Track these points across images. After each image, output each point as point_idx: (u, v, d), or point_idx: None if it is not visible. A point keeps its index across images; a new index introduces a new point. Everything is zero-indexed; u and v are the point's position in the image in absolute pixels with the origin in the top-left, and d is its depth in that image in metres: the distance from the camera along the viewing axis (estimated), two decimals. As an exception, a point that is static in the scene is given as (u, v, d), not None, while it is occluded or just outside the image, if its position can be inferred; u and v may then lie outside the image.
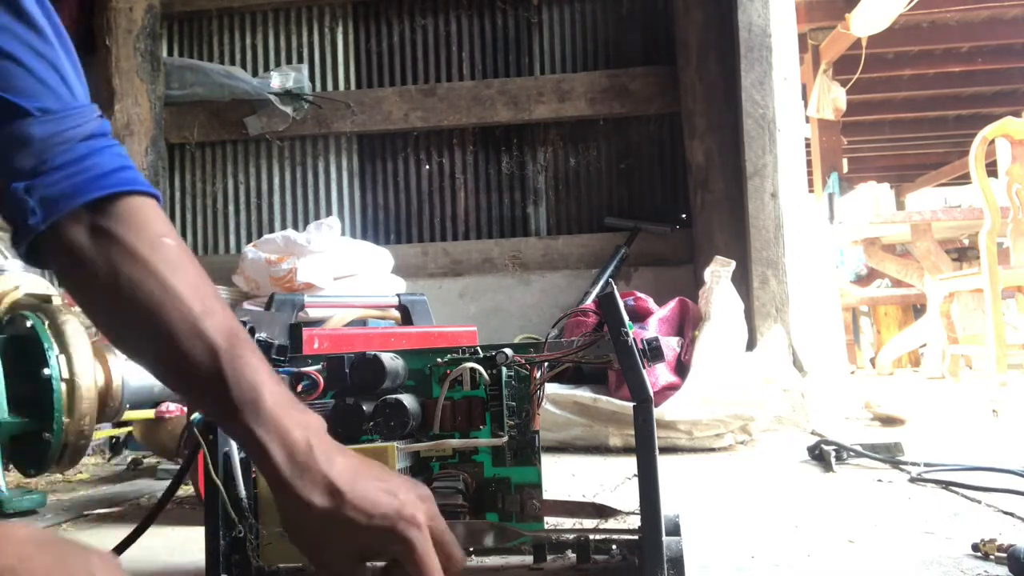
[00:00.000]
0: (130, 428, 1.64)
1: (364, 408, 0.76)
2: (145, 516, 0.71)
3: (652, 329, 1.84)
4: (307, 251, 2.06)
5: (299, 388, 0.81)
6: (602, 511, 0.81)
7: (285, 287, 2.02)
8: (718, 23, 2.39)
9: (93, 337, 1.22)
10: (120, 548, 0.72)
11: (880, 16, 4.35)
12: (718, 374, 1.69)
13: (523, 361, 0.76)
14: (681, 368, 1.78)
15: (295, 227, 2.58)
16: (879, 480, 1.27)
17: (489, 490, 0.78)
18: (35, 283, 1.42)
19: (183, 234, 2.78)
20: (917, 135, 7.58)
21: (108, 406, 1.25)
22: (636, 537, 0.70)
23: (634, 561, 0.71)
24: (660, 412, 1.62)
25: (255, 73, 2.72)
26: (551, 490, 1.14)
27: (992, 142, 2.87)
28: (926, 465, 1.31)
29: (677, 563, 0.66)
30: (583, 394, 1.73)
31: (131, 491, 1.38)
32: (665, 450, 1.63)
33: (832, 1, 5.00)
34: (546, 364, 0.77)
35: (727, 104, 2.37)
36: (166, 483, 1.42)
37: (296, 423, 0.58)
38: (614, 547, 0.72)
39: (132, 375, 1.28)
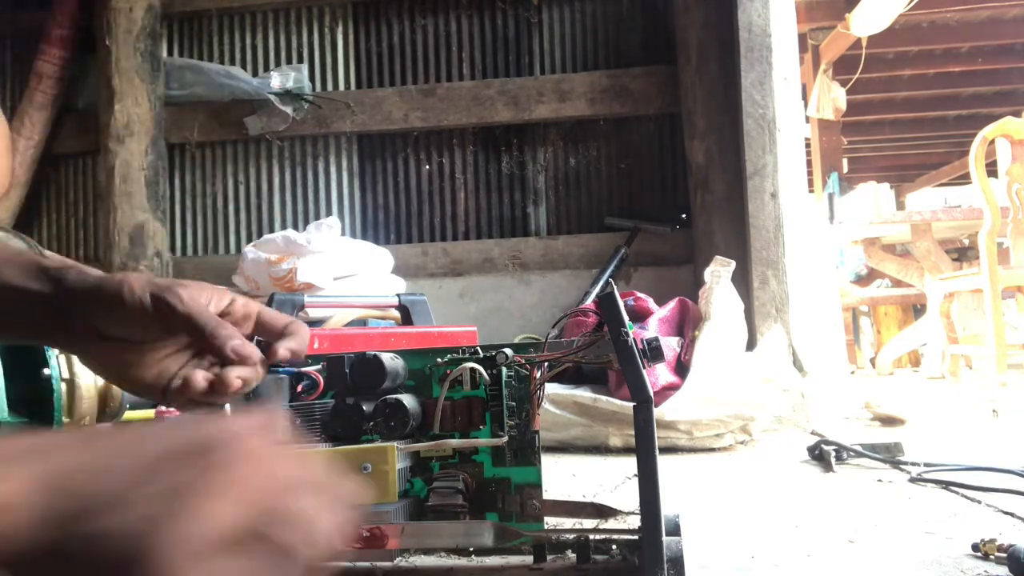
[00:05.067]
0: (130, 428, 1.64)
1: (364, 408, 0.76)
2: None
3: (652, 329, 1.84)
4: (307, 251, 2.06)
5: (299, 388, 0.81)
6: (602, 511, 0.81)
7: (285, 287, 2.02)
8: (718, 23, 2.39)
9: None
10: None
11: (880, 16, 4.35)
12: (718, 374, 1.69)
13: (523, 361, 0.76)
14: (681, 368, 1.78)
15: (295, 227, 2.58)
16: (879, 480, 1.27)
17: (489, 490, 0.78)
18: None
19: (183, 234, 2.78)
20: (917, 135, 7.58)
21: (108, 406, 1.25)
22: (636, 537, 0.70)
23: (634, 561, 0.71)
24: (660, 412, 1.62)
25: (255, 73, 2.73)
26: (551, 490, 1.15)
27: (992, 142, 2.87)
28: (926, 465, 1.31)
29: (677, 563, 0.66)
30: (583, 394, 1.73)
31: (131, 491, 1.37)
32: (665, 450, 1.63)
33: (832, 1, 5.00)
34: (546, 364, 0.77)
35: (727, 104, 2.37)
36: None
37: None
38: (614, 547, 0.72)
39: (132, 375, 1.27)
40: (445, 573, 0.78)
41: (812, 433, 1.84)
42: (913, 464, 1.34)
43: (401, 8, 2.72)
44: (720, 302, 1.80)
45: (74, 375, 1.15)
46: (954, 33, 5.51)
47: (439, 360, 0.80)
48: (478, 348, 0.79)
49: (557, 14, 2.67)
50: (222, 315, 0.61)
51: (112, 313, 0.58)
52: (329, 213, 2.70)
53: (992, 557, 0.77)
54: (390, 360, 0.78)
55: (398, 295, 1.64)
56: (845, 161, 6.27)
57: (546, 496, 0.78)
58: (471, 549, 0.75)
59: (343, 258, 2.13)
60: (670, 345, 1.80)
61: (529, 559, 0.77)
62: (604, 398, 1.70)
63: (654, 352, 0.71)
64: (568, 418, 1.73)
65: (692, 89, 2.45)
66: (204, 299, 0.60)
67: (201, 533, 0.29)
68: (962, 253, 4.91)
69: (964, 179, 7.16)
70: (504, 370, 0.77)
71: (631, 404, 0.67)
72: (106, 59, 2.62)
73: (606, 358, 0.73)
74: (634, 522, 0.71)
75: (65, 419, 1.13)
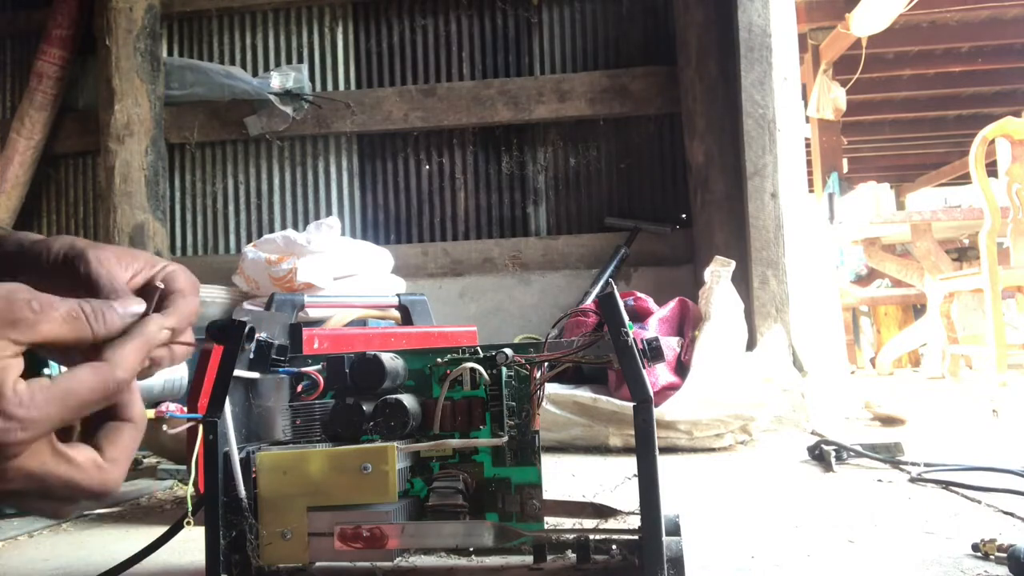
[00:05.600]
0: (130, 428, 1.63)
1: (364, 408, 0.76)
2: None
3: (652, 329, 1.84)
4: (307, 251, 2.06)
5: (299, 388, 0.81)
6: (602, 511, 0.81)
7: (285, 287, 2.02)
8: (718, 23, 2.40)
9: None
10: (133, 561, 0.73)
11: (880, 16, 4.36)
12: (718, 374, 1.69)
13: (523, 361, 0.76)
14: (681, 368, 1.78)
15: (295, 227, 2.58)
16: (879, 480, 1.27)
17: (489, 490, 0.78)
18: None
19: (183, 234, 2.78)
20: (917, 135, 7.58)
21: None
22: (636, 537, 0.70)
23: (634, 561, 0.71)
24: (660, 412, 1.62)
25: (255, 73, 2.73)
26: (551, 490, 1.14)
27: (992, 142, 2.87)
28: (926, 465, 1.31)
29: (677, 563, 0.66)
30: (583, 394, 1.73)
31: (131, 491, 1.38)
32: (665, 450, 1.63)
33: (832, 1, 5.01)
34: (546, 364, 0.77)
35: (727, 104, 2.37)
36: (166, 483, 1.43)
37: None
38: (614, 547, 0.72)
39: (132, 375, 1.27)
40: (445, 573, 0.78)
41: (812, 433, 1.85)
42: (913, 464, 1.34)
43: (401, 8, 2.72)
44: (720, 302, 1.80)
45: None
46: (954, 33, 5.52)
47: (439, 360, 0.80)
48: (478, 348, 0.79)
49: (557, 14, 2.67)
50: (147, 284, 0.59)
51: (33, 274, 0.58)
52: (329, 213, 2.70)
53: (992, 557, 0.76)
54: (390, 360, 0.78)
55: (398, 295, 1.64)
56: (845, 161, 6.27)
57: (546, 496, 0.78)
58: (471, 549, 0.75)
59: (343, 258, 2.13)
60: (670, 345, 1.80)
61: (529, 559, 0.77)
62: (604, 398, 1.70)
63: (654, 352, 0.71)
64: (568, 418, 1.73)
65: (692, 89, 2.45)
66: (134, 268, 0.57)
67: None
68: (962, 253, 4.91)
69: (964, 179, 7.16)
70: (504, 370, 0.77)
71: (631, 404, 0.67)
72: (106, 59, 2.62)
73: (606, 358, 0.73)
74: (634, 522, 0.71)
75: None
